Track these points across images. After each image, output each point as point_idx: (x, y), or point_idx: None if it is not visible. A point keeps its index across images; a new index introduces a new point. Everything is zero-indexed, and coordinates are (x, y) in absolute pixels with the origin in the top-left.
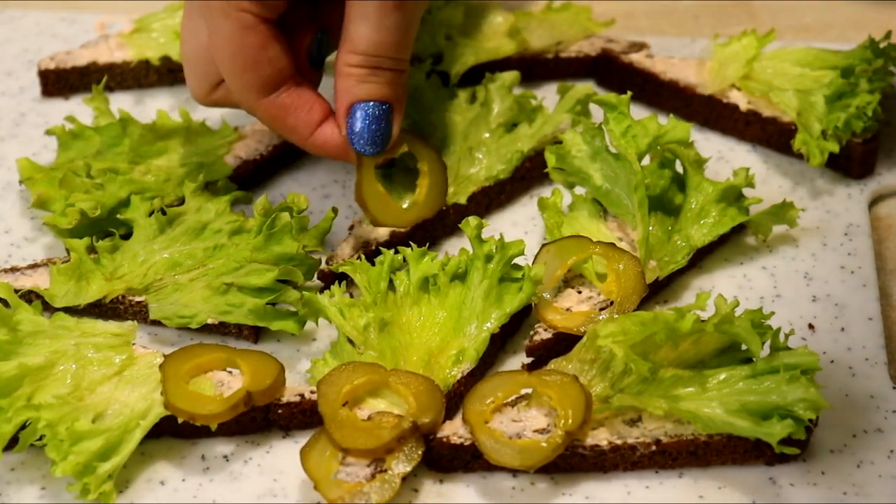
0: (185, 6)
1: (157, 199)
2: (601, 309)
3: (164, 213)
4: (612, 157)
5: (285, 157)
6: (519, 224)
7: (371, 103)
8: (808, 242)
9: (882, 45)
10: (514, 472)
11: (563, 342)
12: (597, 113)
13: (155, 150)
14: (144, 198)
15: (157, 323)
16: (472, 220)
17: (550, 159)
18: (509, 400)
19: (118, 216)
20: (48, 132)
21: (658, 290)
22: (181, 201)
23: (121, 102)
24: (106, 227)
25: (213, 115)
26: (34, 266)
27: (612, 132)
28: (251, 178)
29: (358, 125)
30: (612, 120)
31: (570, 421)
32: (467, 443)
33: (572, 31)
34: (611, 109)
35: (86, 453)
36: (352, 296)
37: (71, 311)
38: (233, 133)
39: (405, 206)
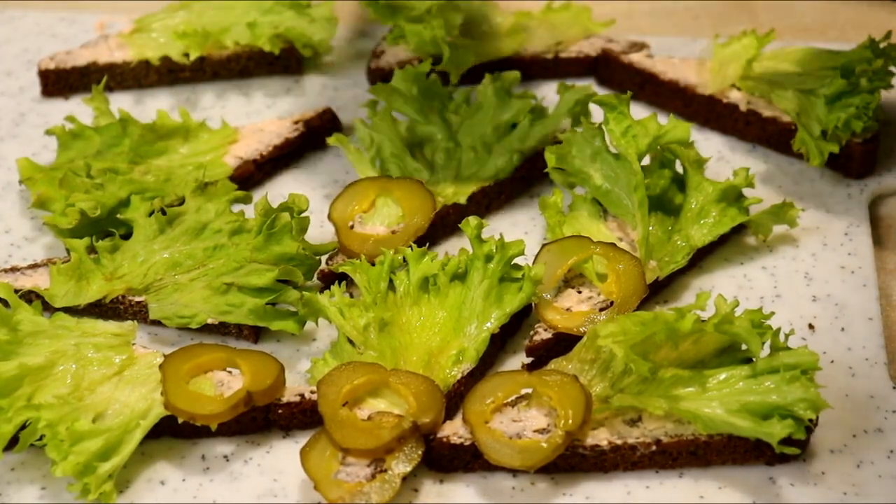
0: None
1: (157, 199)
2: (601, 309)
3: (163, 213)
4: (612, 157)
5: (285, 157)
6: (519, 224)
7: None
8: (808, 242)
9: (882, 45)
10: (515, 472)
11: (563, 342)
12: (597, 113)
13: (155, 150)
14: (144, 198)
15: (157, 323)
16: (472, 220)
17: (550, 159)
18: (509, 400)
19: (118, 216)
20: (48, 132)
21: (658, 290)
22: (181, 201)
23: (121, 102)
24: (106, 227)
25: (213, 116)
26: (34, 266)
27: (612, 132)
28: (251, 178)
29: None
30: (612, 120)
31: (571, 421)
32: (467, 443)
33: (572, 31)
34: (611, 109)
35: (86, 453)
36: (352, 296)
37: (71, 311)
38: (233, 133)
39: None
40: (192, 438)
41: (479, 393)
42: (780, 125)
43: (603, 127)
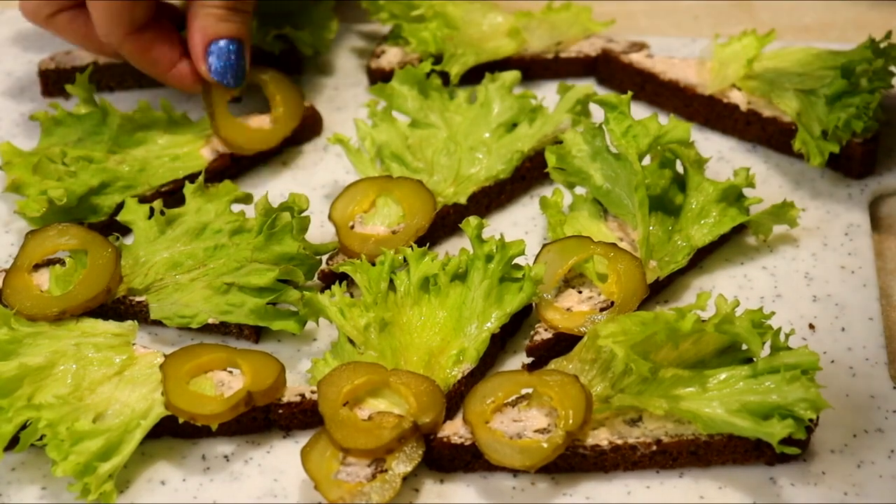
0: None
1: (130, 188)
2: (602, 309)
3: (162, 213)
4: (613, 157)
5: (263, 154)
6: (519, 224)
7: (229, 40)
8: (808, 242)
9: (882, 45)
10: (515, 472)
11: (564, 342)
12: (597, 113)
13: (134, 140)
14: (116, 188)
15: (157, 323)
16: (473, 220)
17: (551, 159)
18: (510, 400)
19: (108, 210)
20: (32, 118)
21: (658, 290)
22: (155, 193)
23: (122, 103)
24: (76, 216)
25: (195, 108)
26: (37, 267)
27: (612, 132)
28: (227, 171)
29: (220, 62)
30: (612, 120)
31: (571, 421)
32: (468, 443)
33: (572, 31)
34: (611, 109)
35: (86, 453)
36: (352, 296)
37: None
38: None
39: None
40: (192, 438)
41: (479, 393)
42: (781, 125)
43: (603, 127)
